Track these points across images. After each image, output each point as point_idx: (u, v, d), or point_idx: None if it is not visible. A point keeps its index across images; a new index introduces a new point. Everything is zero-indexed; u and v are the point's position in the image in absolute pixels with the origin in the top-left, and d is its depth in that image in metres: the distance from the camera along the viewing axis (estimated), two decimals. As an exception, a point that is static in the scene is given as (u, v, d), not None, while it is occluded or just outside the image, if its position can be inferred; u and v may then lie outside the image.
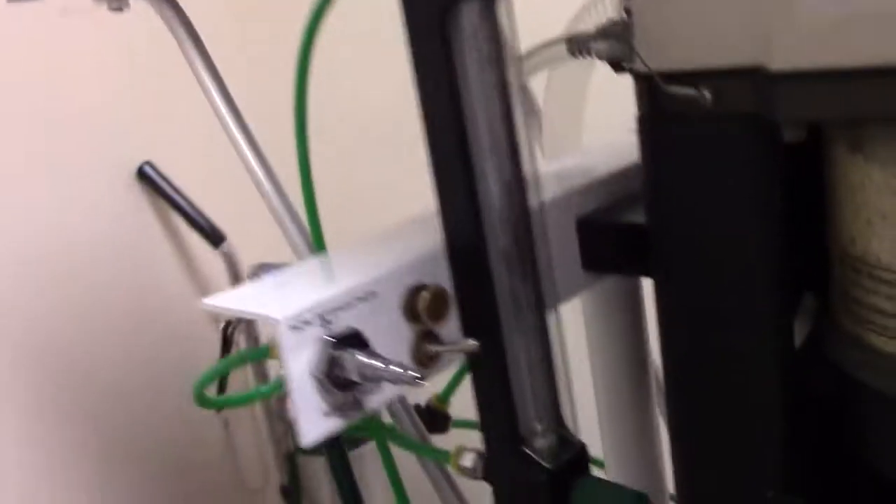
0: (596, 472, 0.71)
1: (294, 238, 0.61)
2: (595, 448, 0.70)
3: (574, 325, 0.68)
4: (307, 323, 0.44)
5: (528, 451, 0.51)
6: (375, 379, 0.44)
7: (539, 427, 0.52)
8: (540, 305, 0.51)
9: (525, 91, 0.79)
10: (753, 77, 0.44)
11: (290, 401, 0.44)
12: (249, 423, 1.24)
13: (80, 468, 1.13)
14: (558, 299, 0.55)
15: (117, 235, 1.18)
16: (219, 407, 0.54)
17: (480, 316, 0.49)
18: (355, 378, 0.44)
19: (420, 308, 0.47)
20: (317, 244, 0.60)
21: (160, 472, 1.23)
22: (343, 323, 0.45)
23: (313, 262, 0.54)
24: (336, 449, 0.72)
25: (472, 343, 0.48)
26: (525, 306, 0.50)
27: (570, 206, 0.57)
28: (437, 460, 0.61)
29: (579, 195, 0.57)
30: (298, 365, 0.44)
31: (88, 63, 1.16)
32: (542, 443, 0.51)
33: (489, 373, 0.50)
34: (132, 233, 1.21)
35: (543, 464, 0.51)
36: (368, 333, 0.46)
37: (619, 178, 0.60)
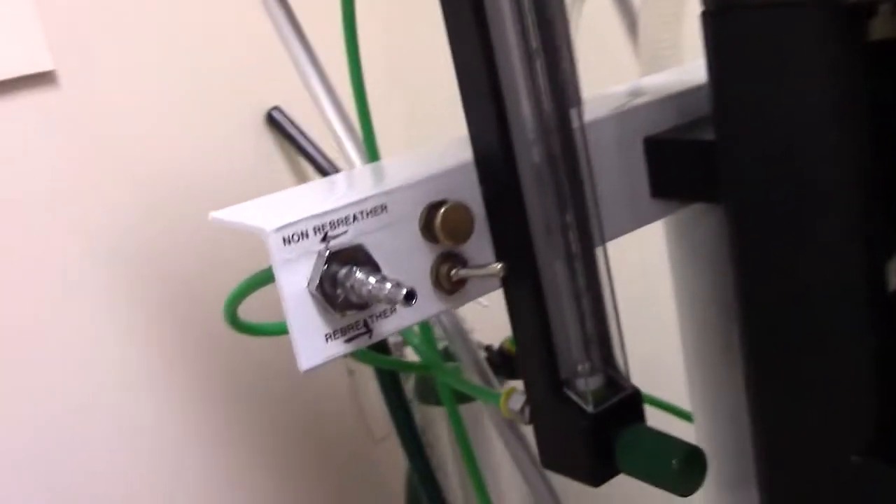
0: (683, 425, 0.64)
1: (348, 149, 0.58)
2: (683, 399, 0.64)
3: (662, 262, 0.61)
4: (303, 235, 0.40)
5: (569, 393, 0.46)
6: (371, 299, 0.40)
7: (583, 367, 0.46)
8: (583, 230, 0.45)
9: None
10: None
11: (287, 321, 0.41)
12: (373, 371, 1.24)
13: (207, 416, 1.17)
14: (615, 226, 0.50)
15: (245, 176, 1.20)
16: (252, 332, 0.52)
17: (510, 238, 0.44)
18: (354, 298, 0.41)
19: (436, 226, 0.43)
20: (370, 155, 0.57)
21: (286, 420, 1.25)
22: (348, 238, 0.42)
23: (350, 174, 0.51)
24: (396, 394, 0.68)
25: (495, 267, 0.43)
26: (560, 229, 0.44)
27: (638, 123, 0.50)
28: (490, 403, 0.57)
29: (650, 111, 0.51)
30: (294, 281, 0.40)
31: (226, 11, 1.18)
32: (586, 385, 0.46)
33: (523, 304, 0.45)
34: (260, 174, 1.22)
35: (585, 408, 0.46)
36: (380, 252, 0.42)
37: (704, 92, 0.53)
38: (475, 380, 0.59)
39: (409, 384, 1.21)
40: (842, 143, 0.40)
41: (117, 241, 1.09)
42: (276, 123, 1.23)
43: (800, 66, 0.40)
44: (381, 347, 0.67)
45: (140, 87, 1.10)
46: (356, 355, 0.58)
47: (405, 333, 0.61)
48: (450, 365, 0.61)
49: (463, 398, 0.92)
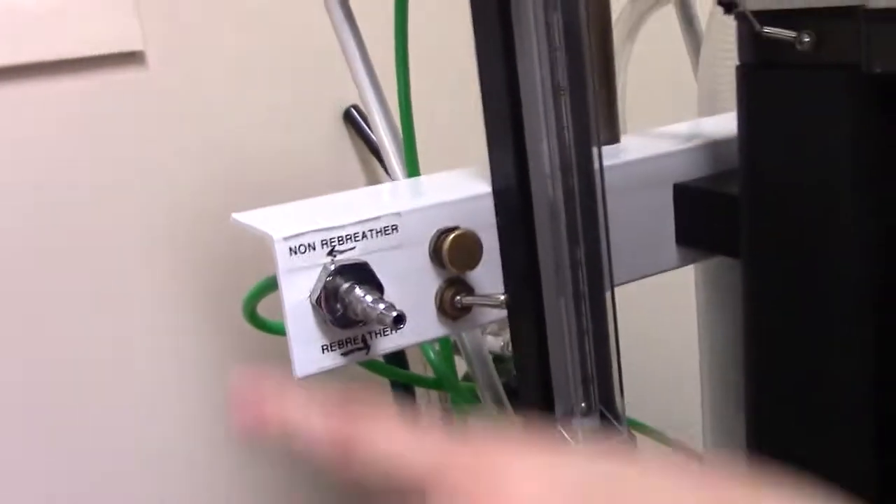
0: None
1: (391, 160, 0.59)
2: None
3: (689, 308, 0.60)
4: (310, 247, 0.41)
5: (562, 430, 0.46)
6: (365, 317, 0.40)
7: (580, 407, 0.46)
8: (594, 270, 0.45)
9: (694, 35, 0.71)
10: (855, 19, 0.36)
11: (286, 328, 0.42)
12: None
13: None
14: (637, 268, 0.49)
15: (319, 170, 1.22)
16: (270, 331, 0.53)
17: (518, 270, 0.45)
18: (352, 314, 0.41)
19: (444, 252, 0.43)
20: (410, 169, 0.58)
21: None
22: (355, 254, 0.42)
23: (394, 186, 0.51)
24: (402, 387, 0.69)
25: (499, 298, 0.43)
26: (570, 267, 0.44)
27: (670, 169, 0.50)
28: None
29: (684, 158, 0.50)
30: (297, 291, 0.41)
31: (313, 7, 1.20)
32: (580, 424, 0.46)
33: (525, 337, 0.45)
34: (333, 169, 1.24)
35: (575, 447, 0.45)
36: (387, 272, 0.43)
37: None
38: (488, 403, 0.59)
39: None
40: (865, 214, 0.39)
41: (188, 224, 1.12)
42: (353, 121, 1.25)
43: (830, 127, 0.39)
44: (398, 359, 0.68)
45: (223, 75, 1.13)
46: (367, 365, 0.59)
47: (423, 347, 0.61)
48: (466, 385, 0.61)
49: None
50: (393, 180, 0.62)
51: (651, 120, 0.66)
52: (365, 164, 1.29)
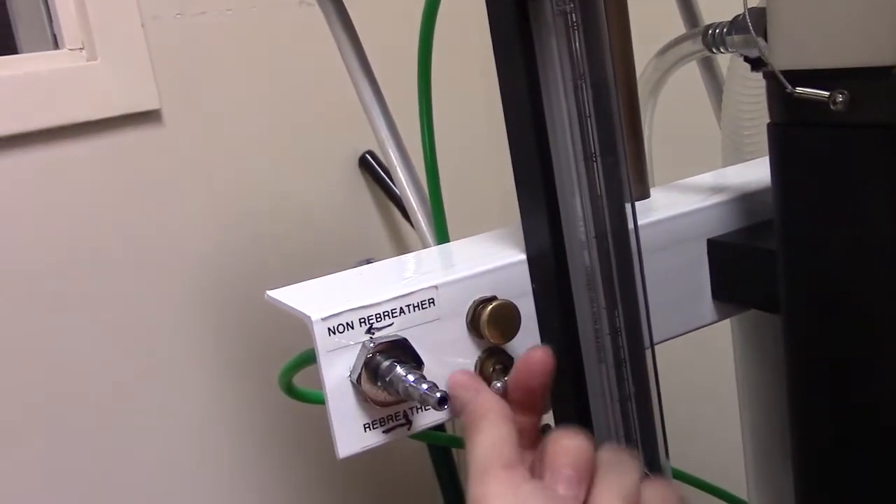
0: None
1: (421, 228, 0.59)
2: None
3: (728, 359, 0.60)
4: (348, 326, 0.41)
5: (608, 495, 0.45)
6: (406, 395, 0.40)
7: (625, 471, 0.45)
8: (633, 334, 0.44)
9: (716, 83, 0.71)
10: (890, 79, 0.36)
11: (327, 408, 0.42)
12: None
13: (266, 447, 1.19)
14: (675, 325, 0.49)
15: (336, 214, 1.23)
16: (307, 400, 0.53)
17: (557, 339, 0.44)
18: (393, 392, 0.41)
19: (482, 323, 0.43)
20: (439, 236, 0.57)
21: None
22: (393, 330, 0.42)
23: (419, 256, 0.51)
24: (447, 468, 0.68)
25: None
26: (610, 333, 0.44)
27: (703, 225, 0.50)
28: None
29: (716, 212, 0.50)
30: (336, 370, 0.41)
31: (325, 58, 1.21)
32: (626, 489, 0.45)
33: (567, 405, 0.45)
34: (350, 214, 1.24)
35: (624, 514, 0.45)
36: (425, 345, 0.43)
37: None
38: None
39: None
40: (906, 270, 0.39)
41: (209, 274, 1.12)
42: (368, 166, 1.25)
43: (865, 185, 0.39)
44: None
45: (238, 129, 1.14)
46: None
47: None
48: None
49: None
50: (422, 240, 0.62)
51: (678, 162, 0.65)
52: (381, 207, 1.29)
